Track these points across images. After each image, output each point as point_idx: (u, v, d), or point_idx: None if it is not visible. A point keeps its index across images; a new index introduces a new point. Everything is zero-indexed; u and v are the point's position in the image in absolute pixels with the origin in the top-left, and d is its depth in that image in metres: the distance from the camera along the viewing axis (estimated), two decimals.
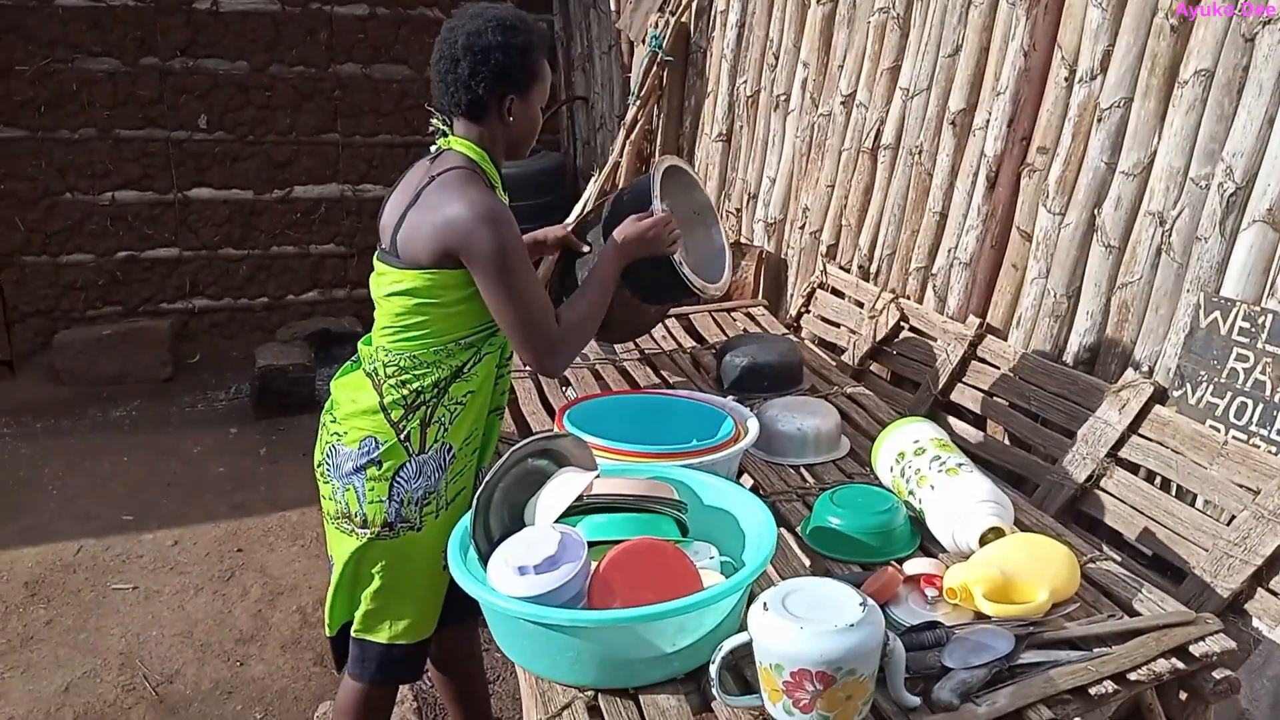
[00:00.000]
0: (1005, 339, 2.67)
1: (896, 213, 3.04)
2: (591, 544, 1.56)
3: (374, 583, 2.00)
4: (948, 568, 1.62)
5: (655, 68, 3.96)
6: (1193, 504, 2.13)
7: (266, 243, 5.14)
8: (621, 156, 4.09)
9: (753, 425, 2.02)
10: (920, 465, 1.86)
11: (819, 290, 3.35)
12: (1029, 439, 2.52)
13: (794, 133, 3.49)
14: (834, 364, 3.17)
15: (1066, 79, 2.44)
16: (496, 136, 1.98)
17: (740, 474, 2.13)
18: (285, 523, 3.74)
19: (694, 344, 2.95)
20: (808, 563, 1.79)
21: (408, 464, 1.95)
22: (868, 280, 3.17)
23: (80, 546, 3.55)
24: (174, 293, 5.12)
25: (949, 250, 2.85)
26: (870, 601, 1.34)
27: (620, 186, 2.57)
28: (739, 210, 3.82)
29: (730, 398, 2.38)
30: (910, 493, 1.88)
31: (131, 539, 3.61)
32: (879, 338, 3.01)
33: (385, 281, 1.97)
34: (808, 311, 3.38)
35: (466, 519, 1.60)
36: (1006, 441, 2.63)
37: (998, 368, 2.64)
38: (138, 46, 4.70)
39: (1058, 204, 2.46)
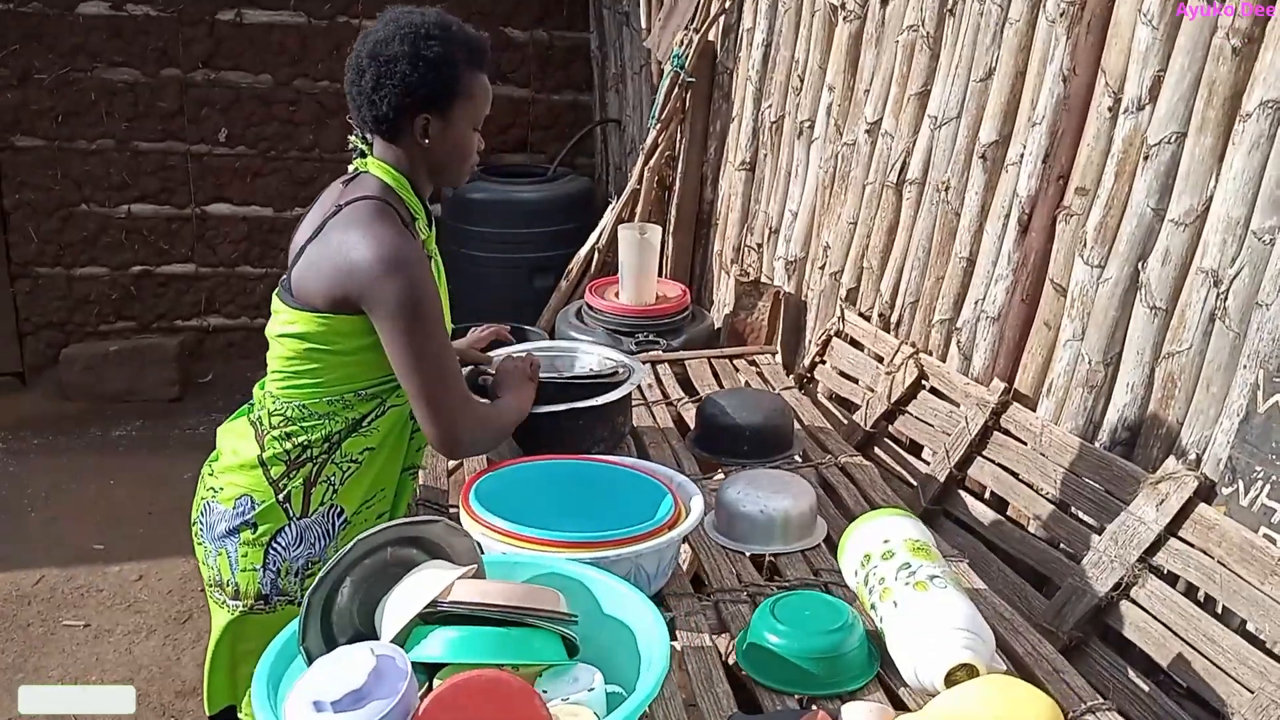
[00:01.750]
0: (1034, 409, 2.29)
1: (921, 256, 2.68)
2: (442, 667, 1.26)
3: (252, 663, 1.73)
4: (893, 717, 1.27)
5: (678, 89, 3.66)
6: (1240, 629, 1.73)
7: (285, 262, 4.95)
8: (640, 183, 3.80)
9: (696, 506, 1.69)
10: (885, 573, 1.51)
11: (835, 339, 3.00)
12: (1052, 531, 2.14)
13: (818, 163, 3.15)
14: (844, 424, 2.83)
15: (1110, 109, 2.07)
16: (416, 160, 1.71)
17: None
18: None
19: (681, 395, 2.63)
20: (728, 697, 1.44)
21: (286, 528, 1.68)
22: (888, 330, 2.81)
23: (41, 576, 3.36)
24: (189, 309, 4.97)
25: (975, 302, 2.48)
26: None
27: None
28: (760, 246, 3.49)
29: (694, 473, 2.06)
30: (872, 607, 1.53)
31: (96, 571, 3.41)
32: (894, 398, 2.65)
33: (278, 321, 1.71)
34: (822, 362, 3.03)
35: (293, 626, 1.30)
36: (1031, 530, 2.25)
37: (1023, 442, 2.27)
38: (159, 57, 4.58)
39: (1096, 255, 2.09)
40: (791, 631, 1.45)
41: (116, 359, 4.71)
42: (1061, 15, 2.18)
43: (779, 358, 3.30)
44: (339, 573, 1.32)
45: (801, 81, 3.20)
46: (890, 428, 2.71)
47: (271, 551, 1.68)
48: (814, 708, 1.33)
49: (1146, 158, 1.96)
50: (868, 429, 2.72)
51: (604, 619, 1.40)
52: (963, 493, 2.43)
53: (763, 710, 1.41)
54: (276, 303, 1.72)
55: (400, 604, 1.31)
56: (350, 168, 1.78)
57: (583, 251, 3.85)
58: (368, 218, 1.63)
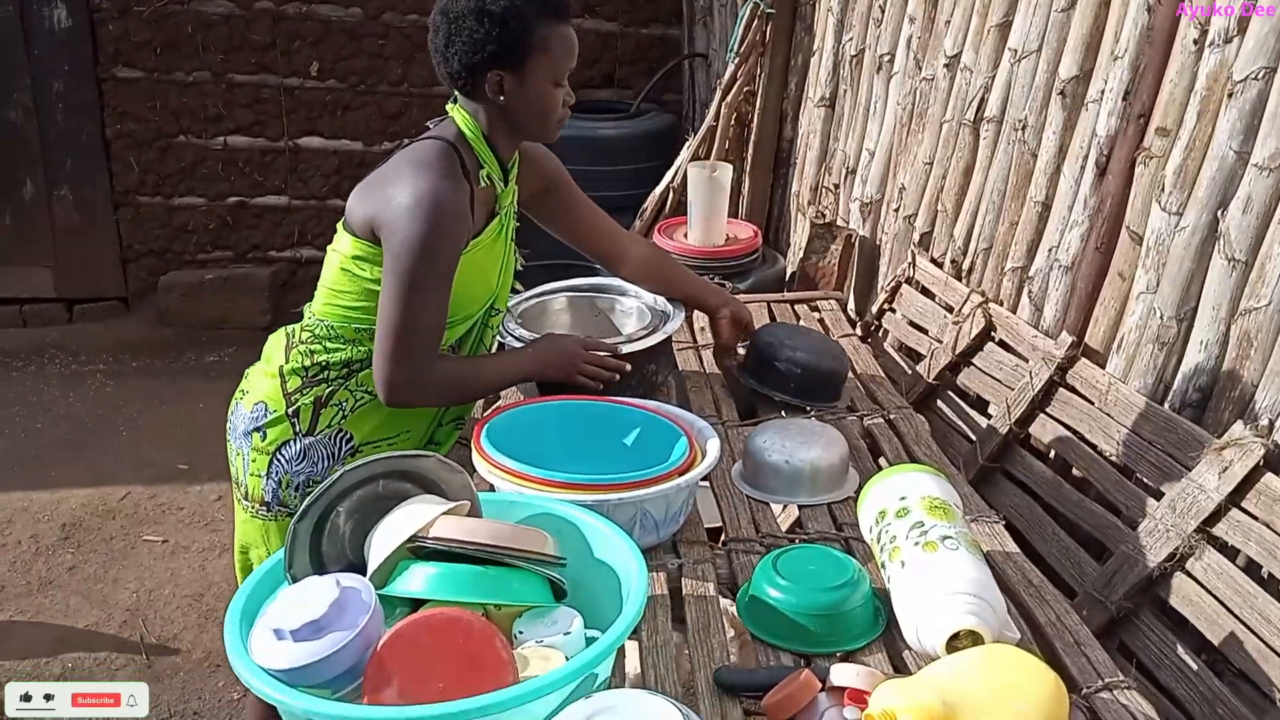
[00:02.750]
0: (1103, 365, 2.15)
1: (996, 199, 2.53)
2: (420, 603, 1.25)
3: (256, 563, 1.78)
4: (883, 680, 1.21)
5: (756, 21, 3.52)
6: None
7: None
8: (718, 120, 3.69)
9: (711, 451, 1.64)
10: (897, 532, 1.44)
11: (905, 286, 2.87)
12: (1112, 496, 2.01)
13: (896, 99, 3.00)
14: (907, 374, 2.72)
15: (1195, 41, 1.89)
16: (493, 117, 1.69)
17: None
18: None
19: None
20: (734, 646, 1.41)
21: (291, 442, 1.72)
22: (959, 278, 2.67)
23: (127, 493, 3.51)
24: (282, 241, 5.08)
25: (1049, 249, 2.33)
26: None
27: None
28: (837, 187, 3.36)
29: (732, 419, 2.00)
30: (882, 565, 1.46)
31: (179, 489, 3.56)
32: (960, 349, 2.53)
33: (337, 236, 1.75)
34: (891, 310, 2.91)
35: (278, 555, 1.31)
36: (1092, 494, 2.12)
37: (1088, 400, 2.13)
38: None
39: (1174, 201, 1.93)
40: (792, 586, 1.40)
41: (212, 287, 4.87)
42: None
43: (850, 304, 3.20)
44: (324, 502, 1.31)
45: (882, 12, 3.04)
46: (956, 380, 2.59)
47: (276, 461, 1.71)
48: (803, 666, 1.27)
49: (1231, 95, 1.79)
50: (930, 380, 2.61)
51: (595, 564, 1.37)
52: (1024, 451, 2.31)
53: (757, 665, 1.36)
54: (340, 221, 1.74)
55: (384, 537, 1.30)
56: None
57: (657, 190, 3.77)
58: (423, 156, 1.65)
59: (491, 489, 1.57)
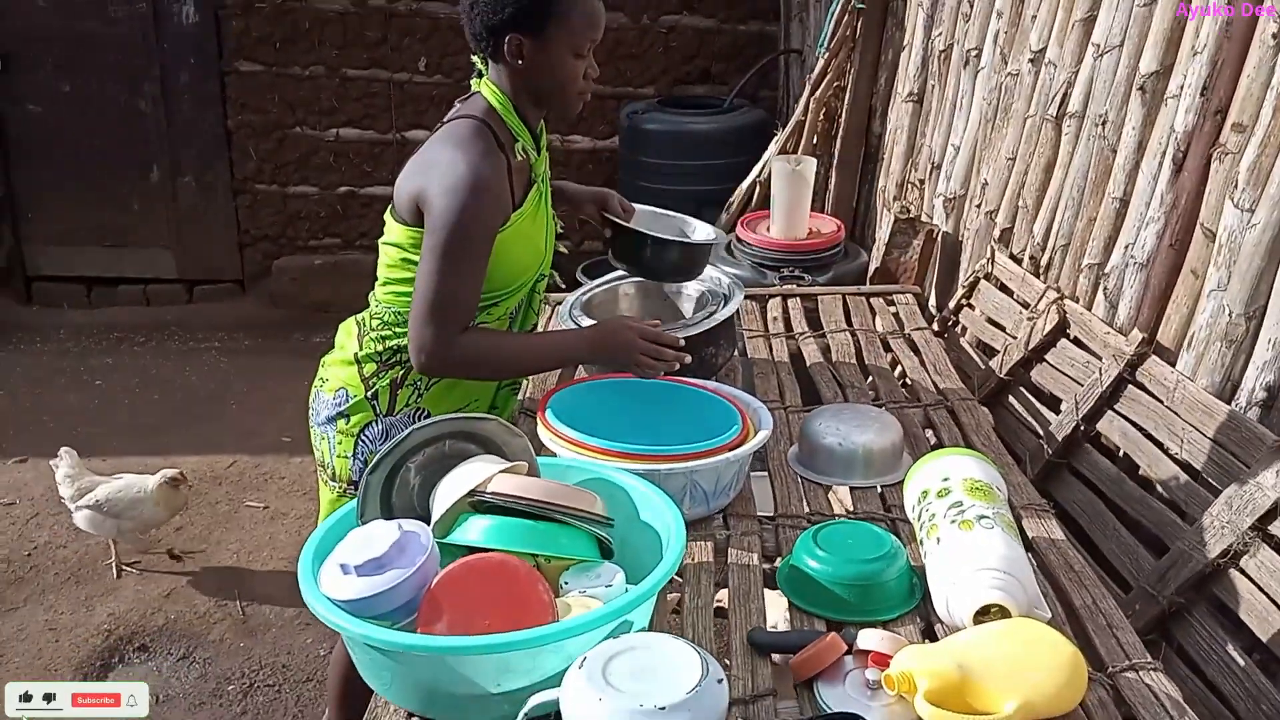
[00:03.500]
0: (1173, 363, 2.14)
1: (1075, 195, 2.52)
2: (475, 550, 1.35)
3: None
4: (906, 645, 1.27)
5: (847, 16, 3.55)
6: None
7: None
8: (806, 114, 3.73)
9: (764, 430, 1.71)
10: (936, 510, 1.49)
11: (984, 281, 2.87)
12: (1173, 493, 2.01)
13: (982, 94, 3.00)
14: (979, 371, 2.73)
15: (1275, 35, 1.87)
16: (516, 84, 1.74)
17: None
18: None
19: (805, 329, 2.59)
20: (760, 614, 1.47)
21: (373, 423, 1.82)
22: (1037, 274, 2.67)
23: (234, 461, 3.75)
24: None
25: (1125, 246, 2.32)
26: (709, 686, 1.04)
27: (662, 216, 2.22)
28: (922, 182, 3.37)
29: (796, 404, 2.05)
30: (920, 542, 1.51)
31: (282, 460, 3.77)
32: (1033, 345, 2.53)
33: (387, 229, 1.83)
34: (969, 305, 2.92)
35: (351, 503, 1.43)
36: (1156, 491, 2.11)
37: (1156, 397, 2.13)
38: None
39: (1248, 198, 1.91)
40: (830, 558, 1.46)
41: (321, 272, 5.11)
42: None
43: (931, 299, 3.21)
44: (395, 457, 1.43)
45: (971, 7, 3.04)
46: (1030, 376, 2.59)
47: (361, 442, 1.82)
48: (829, 632, 1.33)
49: None
50: (1003, 375, 2.62)
51: (642, 526, 1.45)
52: (1090, 448, 2.30)
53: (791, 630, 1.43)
54: (388, 213, 1.84)
55: (447, 491, 1.40)
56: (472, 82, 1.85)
57: (744, 184, 3.83)
58: (459, 136, 1.69)
59: (552, 456, 1.66)
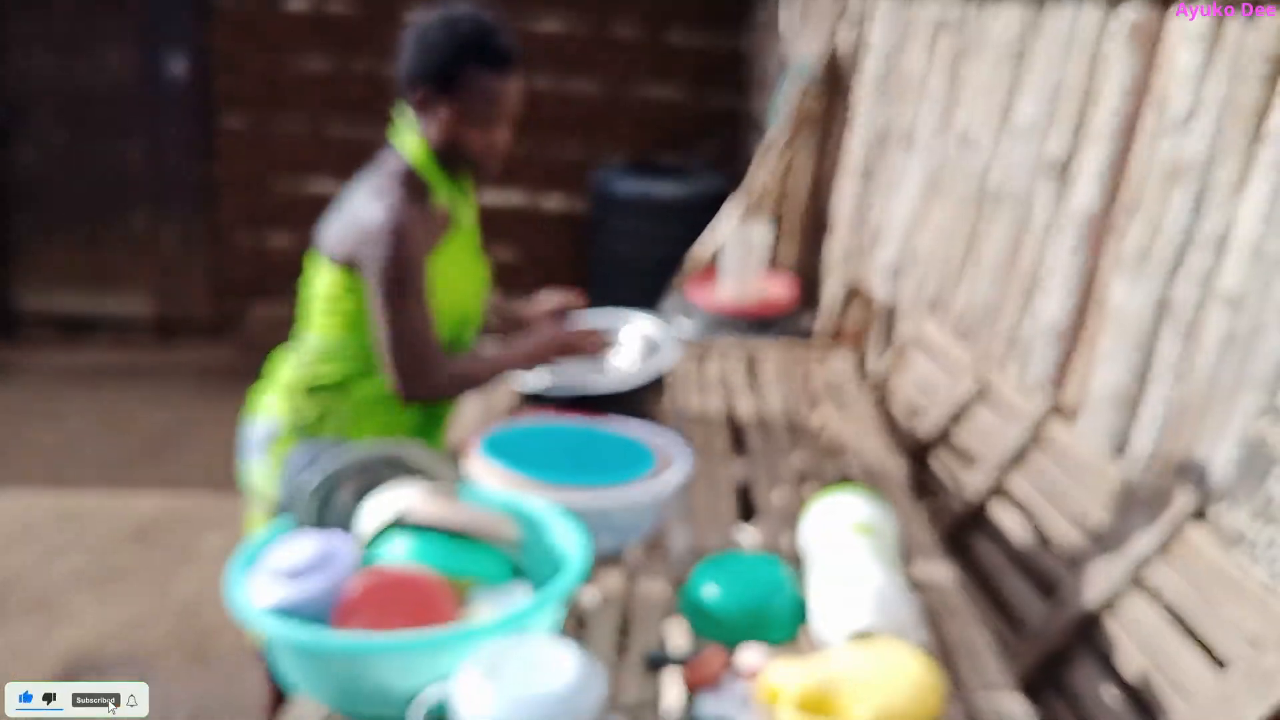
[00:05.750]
0: (1073, 424, 2.30)
1: (995, 268, 2.71)
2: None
3: None
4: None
5: (801, 95, 3.77)
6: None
7: None
8: (760, 184, 3.93)
9: (677, 471, 1.85)
10: (824, 542, 1.63)
11: (912, 348, 3.05)
12: (1062, 547, 2.16)
13: (919, 172, 3.20)
14: (902, 432, 2.89)
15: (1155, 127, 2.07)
16: (433, 134, 1.88)
17: None
18: None
19: (742, 384, 2.75)
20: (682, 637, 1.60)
21: (302, 447, 1.94)
22: (959, 341, 2.84)
23: (196, 498, 3.85)
24: None
25: (1037, 315, 2.50)
26: (586, 676, 1.18)
27: None
28: (865, 252, 3.56)
29: (726, 451, 2.19)
30: (809, 572, 1.64)
31: (243, 498, 3.86)
32: (953, 410, 2.69)
33: (315, 264, 1.96)
34: (900, 369, 3.09)
35: (285, 517, 1.56)
36: (1052, 549, 2.26)
37: (1057, 459, 2.28)
38: (346, 49, 5.08)
39: (1136, 272, 2.09)
40: (724, 586, 1.59)
41: (292, 319, 5.25)
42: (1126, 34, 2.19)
43: (869, 361, 3.38)
44: (330, 484, 1.56)
45: (912, 91, 3.26)
46: (949, 438, 2.75)
47: (289, 465, 1.94)
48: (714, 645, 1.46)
49: (1179, 178, 1.96)
50: (924, 437, 2.77)
51: (552, 550, 1.58)
52: (999, 506, 2.45)
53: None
54: (313, 251, 1.96)
55: (374, 510, 1.53)
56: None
57: (698, 248, 4.01)
58: (381, 184, 1.85)
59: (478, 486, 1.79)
